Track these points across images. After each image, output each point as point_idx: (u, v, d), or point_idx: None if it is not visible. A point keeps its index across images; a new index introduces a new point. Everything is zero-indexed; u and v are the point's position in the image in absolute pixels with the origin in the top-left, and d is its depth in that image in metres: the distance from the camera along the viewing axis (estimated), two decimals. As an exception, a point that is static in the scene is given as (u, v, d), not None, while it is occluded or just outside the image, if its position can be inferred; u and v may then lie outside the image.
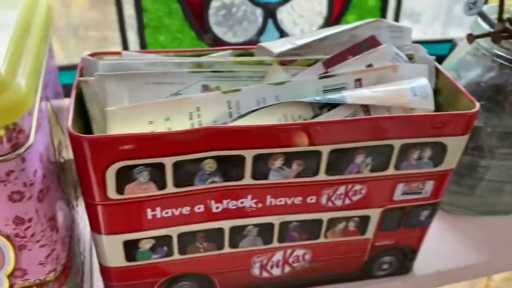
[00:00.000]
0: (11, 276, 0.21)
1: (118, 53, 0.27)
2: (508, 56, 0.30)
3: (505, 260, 0.36)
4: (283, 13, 0.44)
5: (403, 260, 0.32)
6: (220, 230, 0.27)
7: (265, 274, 0.30)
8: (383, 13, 0.47)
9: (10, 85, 0.17)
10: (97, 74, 0.24)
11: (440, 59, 0.39)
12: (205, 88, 0.26)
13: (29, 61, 0.20)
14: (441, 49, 0.51)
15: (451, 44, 0.48)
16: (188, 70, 0.26)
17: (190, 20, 0.42)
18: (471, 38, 0.29)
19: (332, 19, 0.46)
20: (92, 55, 0.27)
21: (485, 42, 0.31)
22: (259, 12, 0.43)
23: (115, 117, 0.23)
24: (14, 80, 0.18)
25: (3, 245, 0.20)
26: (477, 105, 0.25)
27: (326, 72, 0.27)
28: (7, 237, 0.20)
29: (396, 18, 0.48)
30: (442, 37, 0.51)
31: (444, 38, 0.50)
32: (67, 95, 0.32)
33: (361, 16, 0.47)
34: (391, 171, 0.26)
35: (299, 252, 0.29)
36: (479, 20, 0.31)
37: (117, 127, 0.23)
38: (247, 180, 0.25)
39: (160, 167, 0.23)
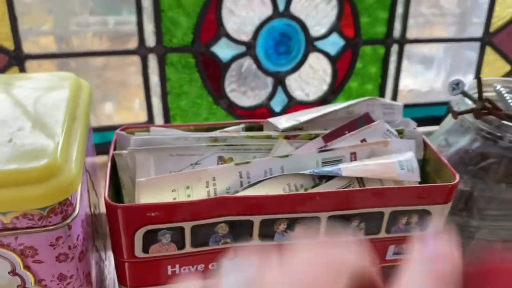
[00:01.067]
0: None
1: (147, 128, 0.32)
2: (489, 130, 0.34)
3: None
4: (291, 80, 0.49)
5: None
6: (231, 285, 0.30)
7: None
8: (383, 79, 0.51)
9: (64, 169, 0.21)
10: (130, 148, 0.29)
11: (438, 120, 0.43)
12: (220, 159, 0.30)
13: (77, 144, 0.24)
14: (438, 110, 0.55)
15: (447, 106, 0.52)
16: (206, 144, 0.30)
17: (208, 87, 0.46)
18: (455, 114, 0.33)
19: (336, 85, 0.50)
20: (124, 129, 0.31)
21: (469, 117, 0.35)
22: (269, 80, 0.48)
23: (144, 187, 0.27)
24: (67, 165, 0.22)
25: None
26: (457, 177, 0.29)
27: (325, 146, 0.31)
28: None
29: (396, 82, 0.52)
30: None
31: (440, 101, 0.54)
32: (98, 152, 0.36)
33: (363, 82, 0.51)
34: (382, 234, 0.29)
35: (302, 305, 0.32)
36: (463, 98, 0.35)
37: (146, 195, 0.27)
38: (255, 241, 0.28)
39: (180, 230, 0.27)
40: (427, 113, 0.54)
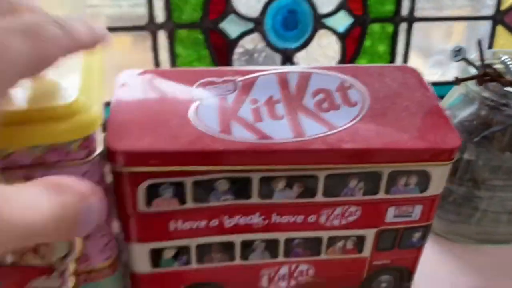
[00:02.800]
0: (77, 261, 0.27)
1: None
2: (493, 98, 0.34)
3: (502, 287, 0.38)
4: (299, 58, 0.49)
5: (400, 281, 0.35)
6: (232, 243, 0.31)
7: (272, 287, 0.33)
8: (392, 58, 0.51)
9: (88, 107, 0.24)
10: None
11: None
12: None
13: (96, 92, 0.26)
14: (446, 90, 0.54)
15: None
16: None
17: (216, 64, 0.47)
18: (458, 81, 0.33)
19: (344, 63, 0.50)
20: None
21: (473, 85, 0.35)
22: (277, 57, 0.49)
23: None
24: (89, 103, 0.24)
25: None
26: (458, 138, 0.29)
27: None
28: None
29: (404, 60, 0.52)
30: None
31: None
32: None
33: (371, 60, 0.51)
34: (381, 195, 0.30)
35: (303, 267, 0.33)
36: (467, 67, 0.35)
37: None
38: (255, 199, 0.29)
39: (182, 185, 0.27)
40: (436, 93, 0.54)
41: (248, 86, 0.30)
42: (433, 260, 0.38)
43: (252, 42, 0.48)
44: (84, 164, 0.25)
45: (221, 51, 0.47)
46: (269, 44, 0.48)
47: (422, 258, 0.37)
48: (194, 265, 0.31)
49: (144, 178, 0.27)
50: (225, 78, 0.31)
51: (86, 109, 0.24)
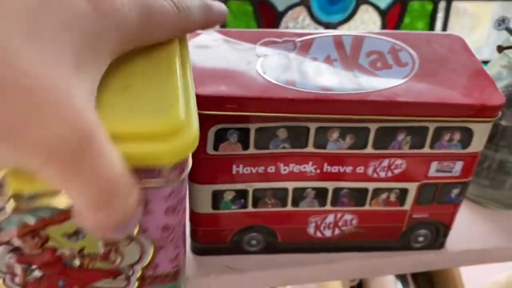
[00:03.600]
0: (145, 268, 0.27)
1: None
2: (533, 66, 0.36)
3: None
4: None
5: (437, 235, 0.37)
6: (285, 190, 0.34)
7: (318, 234, 0.36)
8: (430, 35, 0.54)
9: (187, 125, 0.20)
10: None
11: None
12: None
13: (191, 101, 0.22)
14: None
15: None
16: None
17: (263, 34, 0.50)
18: (500, 49, 0.36)
19: (384, 38, 0.53)
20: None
21: (513, 54, 0.37)
22: (321, 30, 0.51)
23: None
24: (189, 121, 0.21)
25: (148, 246, 0.26)
26: (501, 96, 0.31)
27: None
28: (153, 240, 0.26)
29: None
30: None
31: (486, 59, 0.55)
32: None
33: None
34: (426, 149, 0.32)
35: (348, 217, 0.36)
36: (509, 37, 0.37)
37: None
38: (310, 148, 0.32)
39: (247, 131, 0.30)
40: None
41: (306, 46, 0.33)
42: (465, 222, 0.41)
43: (297, 14, 0.50)
44: (173, 183, 0.23)
45: (268, 22, 0.50)
46: (313, 17, 0.50)
47: (456, 218, 0.40)
48: (250, 208, 0.34)
49: (216, 122, 0.30)
50: (284, 38, 0.33)
51: (188, 126, 0.20)
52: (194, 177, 0.33)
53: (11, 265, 0.25)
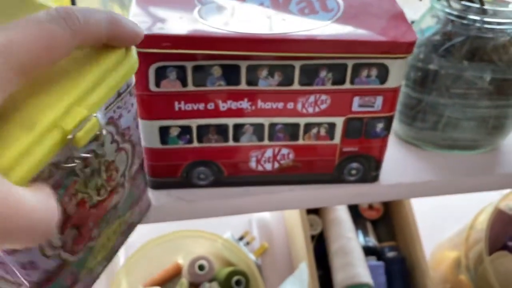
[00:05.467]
0: (130, 169, 0.33)
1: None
2: (454, 13, 0.39)
3: (461, 183, 0.44)
4: None
5: (369, 169, 0.41)
6: (226, 126, 0.38)
7: (259, 168, 0.40)
8: None
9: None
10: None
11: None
12: None
13: None
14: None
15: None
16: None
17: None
18: (421, -2, 0.39)
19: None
20: None
21: (438, 4, 0.41)
22: None
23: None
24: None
25: (130, 148, 0.32)
26: (414, 33, 0.34)
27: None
28: (133, 142, 0.32)
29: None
30: None
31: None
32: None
33: None
34: (347, 85, 0.36)
35: (285, 151, 0.40)
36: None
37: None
38: (243, 85, 0.36)
39: (184, 68, 0.34)
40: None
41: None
42: (401, 161, 0.45)
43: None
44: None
45: None
46: None
47: (389, 158, 0.44)
48: (195, 144, 0.38)
49: (155, 60, 0.34)
50: (222, -12, 0.37)
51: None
52: (141, 114, 0.37)
53: None
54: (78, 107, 0.23)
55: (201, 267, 0.57)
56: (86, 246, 0.31)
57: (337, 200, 0.42)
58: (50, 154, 0.22)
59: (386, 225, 0.67)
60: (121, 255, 0.64)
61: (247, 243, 0.64)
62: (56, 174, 0.25)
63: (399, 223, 0.65)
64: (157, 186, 0.41)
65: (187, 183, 0.41)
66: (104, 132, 0.25)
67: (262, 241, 0.64)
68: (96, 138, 0.24)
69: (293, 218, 0.61)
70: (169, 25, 0.33)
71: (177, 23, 0.34)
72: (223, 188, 0.41)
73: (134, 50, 0.27)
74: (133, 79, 0.30)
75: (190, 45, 0.33)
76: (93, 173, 0.28)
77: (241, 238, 0.63)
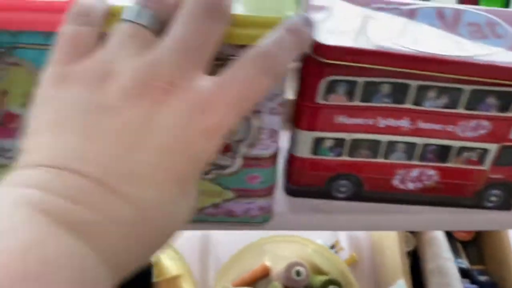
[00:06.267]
0: (249, 147, 0.34)
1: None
2: None
3: None
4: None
5: (509, 196, 0.41)
6: (379, 142, 0.38)
7: (401, 186, 0.40)
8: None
9: None
10: None
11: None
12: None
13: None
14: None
15: None
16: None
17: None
18: None
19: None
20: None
21: None
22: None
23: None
24: None
25: (255, 125, 0.33)
26: None
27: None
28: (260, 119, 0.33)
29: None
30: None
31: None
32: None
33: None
34: (510, 113, 0.36)
35: (431, 172, 0.39)
36: None
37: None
38: (408, 104, 0.36)
39: (355, 83, 0.35)
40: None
41: (412, 14, 0.37)
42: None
43: None
44: None
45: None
46: None
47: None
48: (344, 157, 0.39)
49: (330, 73, 0.34)
50: (392, 5, 0.37)
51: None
52: (300, 124, 0.37)
53: None
54: None
55: (298, 273, 0.58)
56: None
57: (475, 225, 0.42)
58: None
59: (476, 248, 0.66)
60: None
61: (336, 253, 0.64)
62: None
63: (490, 246, 0.64)
64: (295, 193, 0.41)
65: (325, 194, 0.41)
66: None
67: (350, 252, 0.64)
68: None
69: (385, 233, 0.61)
70: (349, 38, 0.34)
71: (356, 37, 0.34)
72: (361, 203, 0.41)
73: None
74: None
75: (371, 60, 0.33)
76: None
77: (331, 247, 0.64)
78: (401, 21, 0.36)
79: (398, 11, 0.37)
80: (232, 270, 0.59)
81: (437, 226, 0.42)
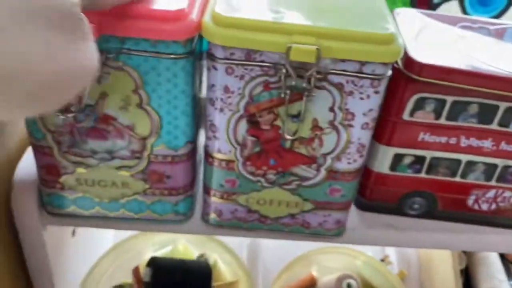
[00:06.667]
0: (335, 159, 0.34)
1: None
2: None
3: None
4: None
5: None
6: (459, 161, 0.38)
7: (475, 206, 0.40)
8: None
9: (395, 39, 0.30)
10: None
11: None
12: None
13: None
14: None
15: None
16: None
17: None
18: None
19: None
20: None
21: None
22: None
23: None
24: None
25: (343, 136, 0.33)
26: None
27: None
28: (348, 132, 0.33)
29: None
30: None
31: None
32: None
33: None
34: None
35: (508, 194, 0.39)
36: None
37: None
38: (494, 126, 0.35)
39: (443, 102, 0.34)
40: None
41: (500, 34, 0.37)
42: None
43: (449, 8, 0.54)
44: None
45: (422, 12, 0.53)
46: (464, 12, 0.53)
47: None
48: (422, 174, 0.38)
49: (420, 90, 0.34)
50: (479, 24, 0.37)
51: (396, 39, 0.30)
52: (381, 138, 0.37)
53: (245, 138, 0.33)
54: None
55: (349, 286, 0.58)
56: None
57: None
58: None
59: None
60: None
61: (384, 268, 0.64)
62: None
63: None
64: (368, 208, 0.41)
65: (398, 210, 0.41)
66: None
67: (400, 268, 0.64)
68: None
69: (436, 250, 0.60)
70: (443, 57, 0.34)
71: (450, 56, 0.34)
72: (433, 221, 0.41)
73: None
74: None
75: (463, 80, 0.33)
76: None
77: (381, 261, 0.64)
78: (490, 41, 0.36)
79: (486, 30, 0.37)
80: (281, 278, 0.59)
81: (508, 249, 0.41)
